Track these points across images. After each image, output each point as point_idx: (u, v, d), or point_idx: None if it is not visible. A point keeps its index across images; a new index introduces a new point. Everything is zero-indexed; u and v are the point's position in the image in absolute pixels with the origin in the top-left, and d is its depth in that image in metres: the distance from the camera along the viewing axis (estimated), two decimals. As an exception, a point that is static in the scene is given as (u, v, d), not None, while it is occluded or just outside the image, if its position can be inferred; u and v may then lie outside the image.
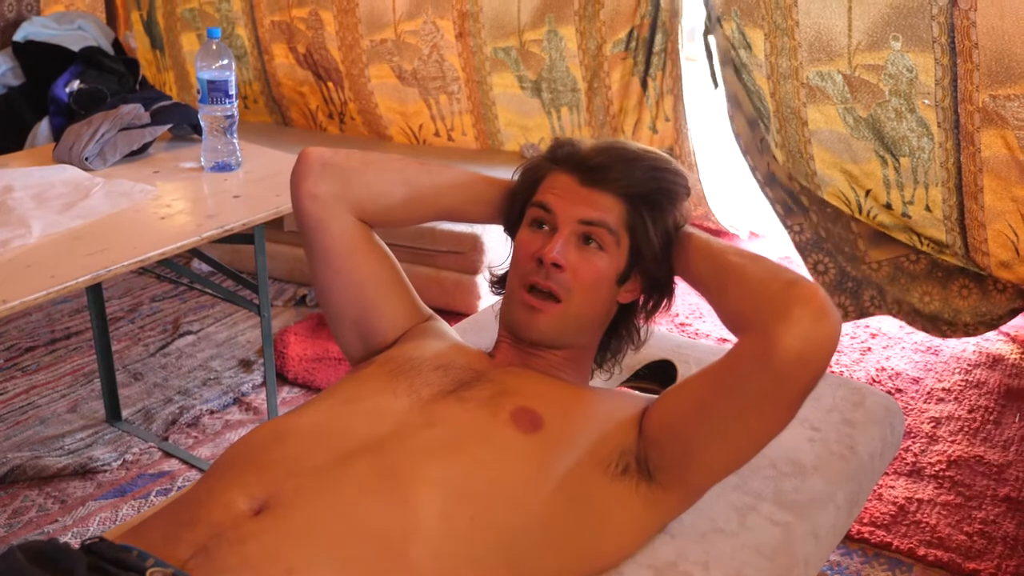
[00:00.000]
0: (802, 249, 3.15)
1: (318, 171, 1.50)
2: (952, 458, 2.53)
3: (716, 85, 3.41)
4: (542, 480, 1.26)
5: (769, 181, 3.14)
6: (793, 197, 3.08)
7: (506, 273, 1.51)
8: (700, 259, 1.38)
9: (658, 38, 3.41)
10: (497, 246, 3.09)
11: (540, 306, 1.39)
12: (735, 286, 1.28)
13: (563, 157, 1.46)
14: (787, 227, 3.18)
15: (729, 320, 1.29)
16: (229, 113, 2.29)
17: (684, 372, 1.79)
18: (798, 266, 3.23)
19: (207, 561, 1.08)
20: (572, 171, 1.43)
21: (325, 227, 1.50)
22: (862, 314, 3.07)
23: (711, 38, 3.17)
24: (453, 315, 2.97)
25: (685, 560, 1.34)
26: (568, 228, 1.39)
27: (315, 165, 1.50)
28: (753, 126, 3.09)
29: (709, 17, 3.15)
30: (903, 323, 3.07)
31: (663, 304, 1.50)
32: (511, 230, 1.52)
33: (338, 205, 1.49)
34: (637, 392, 1.60)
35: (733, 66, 3.06)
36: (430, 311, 1.61)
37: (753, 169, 3.14)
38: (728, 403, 1.24)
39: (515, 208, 1.51)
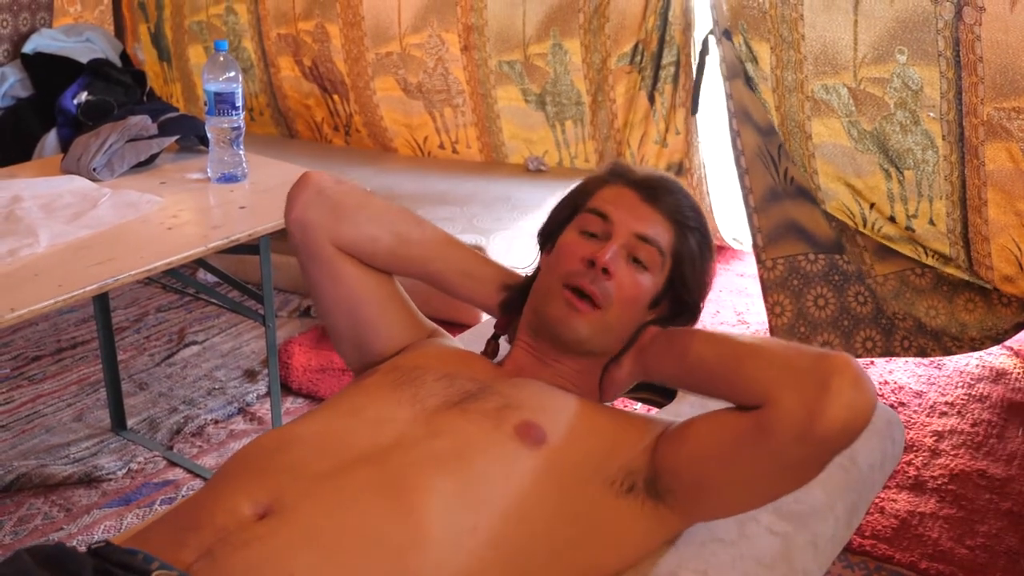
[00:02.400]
0: (769, 286, 3.08)
1: (312, 197, 1.50)
2: (955, 472, 2.53)
3: (695, 110, 3.41)
4: (544, 493, 1.26)
5: (772, 197, 3.12)
6: (813, 198, 3.06)
7: (514, 299, 1.52)
8: (703, 344, 1.35)
9: (666, 51, 3.42)
10: (502, 258, 3.10)
11: (581, 307, 1.39)
12: (752, 362, 1.25)
13: (622, 173, 1.48)
14: (760, 261, 3.09)
15: (744, 395, 1.24)
16: (236, 125, 2.30)
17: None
18: (755, 312, 3.21)
19: (212, 564, 1.09)
20: (632, 186, 1.45)
21: (309, 253, 1.51)
22: (857, 355, 3.05)
23: (717, 51, 3.17)
24: (456, 326, 2.98)
25: (684, 569, 1.35)
26: (622, 239, 1.40)
27: (311, 191, 1.50)
28: (768, 135, 3.06)
29: (714, 31, 3.15)
30: (905, 358, 3.06)
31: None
32: (549, 236, 1.51)
33: (323, 236, 1.49)
34: (641, 410, 1.61)
35: (746, 76, 3.05)
36: (433, 326, 1.60)
37: (748, 191, 3.11)
38: (762, 467, 1.23)
39: (562, 214, 1.50)
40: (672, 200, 1.44)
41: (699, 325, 1.47)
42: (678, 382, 1.49)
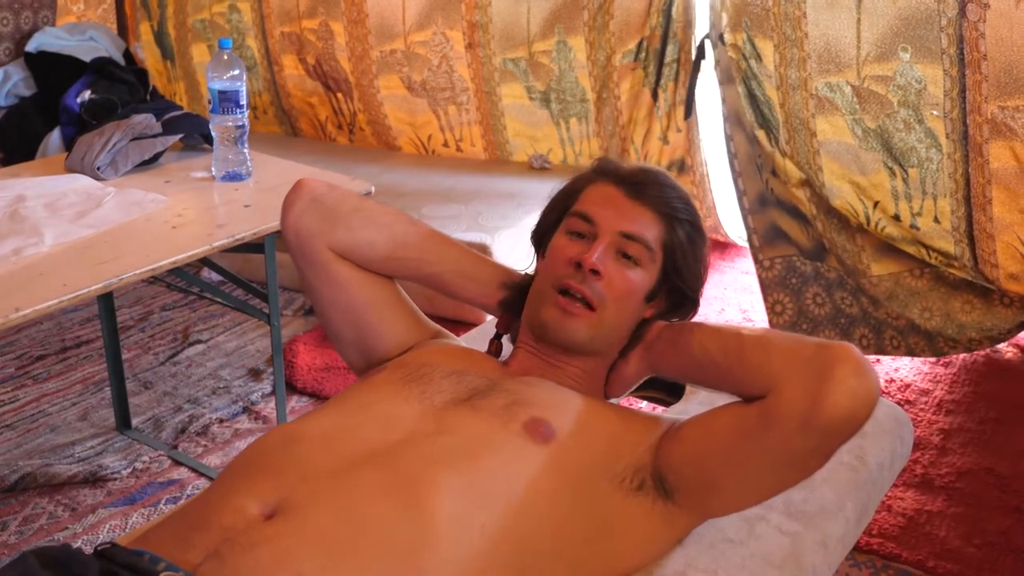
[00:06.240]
0: (768, 285, 3.13)
1: (307, 205, 1.50)
2: (962, 470, 2.52)
3: (689, 114, 3.42)
4: (553, 490, 1.26)
5: (761, 202, 3.12)
6: (795, 212, 3.06)
7: (514, 298, 1.52)
8: (708, 337, 1.36)
9: (669, 49, 3.41)
10: (506, 256, 3.10)
11: (574, 310, 1.39)
12: (756, 353, 1.26)
13: (608, 170, 1.48)
14: (757, 261, 3.13)
15: (749, 386, 1.25)
16: (240, 123, 2.30)
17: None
18: (760, 309, 3.24)
19: (219, 565, 1.08)
20: (617, 183, 1.45)
21: (307, 260, 1.51)
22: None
23: (712, 55, 3.16)
24: (460, 325, 2.98)
25: (694, 569, 1.34)
26: (608, 238, 1.41)
27: (305, 198, 1.50)
28: (752, 143, 3.07)
29: (711, 35, 3.14)
30: (898, 356, 3.06)
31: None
32: (541, 240, 1.53)
33: (319, 242, 1.49)
34: (646, 409, 1.61)
35: (743, 79, 3.05)
36: (436, 328, 1.60)
37: (742, 194, 3.12)
38: (766, 459, 1.24)
39: (551, 216, 1.52)
40: (658, 193, 1.44)
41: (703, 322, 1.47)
42: (685, 376, 1.51)
